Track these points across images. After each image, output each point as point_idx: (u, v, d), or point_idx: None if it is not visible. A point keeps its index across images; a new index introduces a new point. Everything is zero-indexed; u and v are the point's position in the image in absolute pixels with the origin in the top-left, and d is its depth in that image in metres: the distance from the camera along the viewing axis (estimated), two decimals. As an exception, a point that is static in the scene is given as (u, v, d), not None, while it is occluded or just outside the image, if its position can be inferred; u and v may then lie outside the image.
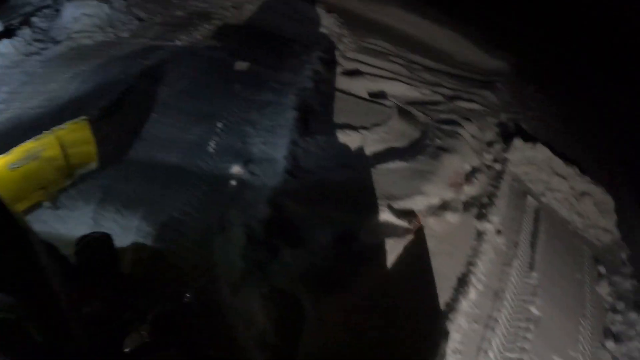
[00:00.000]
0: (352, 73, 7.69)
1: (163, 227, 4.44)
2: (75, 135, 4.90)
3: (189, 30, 7.58)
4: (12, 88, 6.87)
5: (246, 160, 4.99)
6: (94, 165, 5.16)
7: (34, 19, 9.07)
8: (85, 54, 7.58)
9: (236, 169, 4.95)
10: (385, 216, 4.62)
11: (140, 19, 8.40)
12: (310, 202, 4.88)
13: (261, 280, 4.10)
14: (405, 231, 4.66)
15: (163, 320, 3.08)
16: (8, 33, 8.04)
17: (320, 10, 8.85)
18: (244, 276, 4.06)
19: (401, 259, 4.20)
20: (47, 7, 9.85)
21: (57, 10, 9.10)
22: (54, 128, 4.83)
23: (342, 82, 7.33)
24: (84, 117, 4.96)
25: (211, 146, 5.47)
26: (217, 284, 3.81)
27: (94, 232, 3.52)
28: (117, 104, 6.20)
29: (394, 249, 4.38)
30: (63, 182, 5.01)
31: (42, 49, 7.95)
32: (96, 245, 3.38)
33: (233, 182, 4.88)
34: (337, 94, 6.80)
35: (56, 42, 8.11)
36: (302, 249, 4.29)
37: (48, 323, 2.27)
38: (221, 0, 8.96)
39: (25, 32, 8.43)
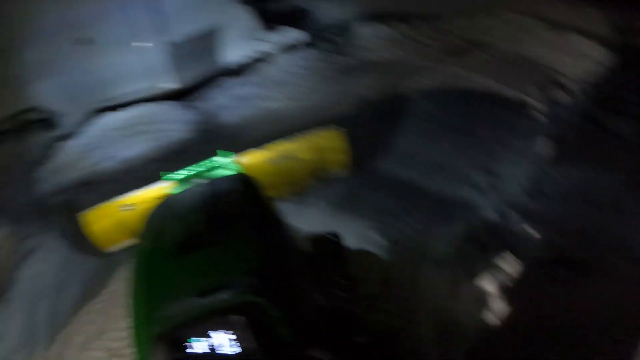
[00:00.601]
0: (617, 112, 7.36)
1: (395, 241, 4.63)
2: (331, 143, 5.29)
3: (464, 58, 8.30)
4: (300, 86, 8.73)
5: (489, 180, 5.34)
6: (344, 173, 5.54)
7: (333, 36, 11.02)
8: (370, 69, 8.90)
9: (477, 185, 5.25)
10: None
11: (423, 44, 9.36)
12: (544, 223, 4.98)
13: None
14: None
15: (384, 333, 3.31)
16: (312, 43, 10.01)
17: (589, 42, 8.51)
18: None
19: None
20: (346, 27, 11.84)
21: (354, 32, 10.89)
22: (313, 132, 5.36)
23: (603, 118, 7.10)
24: (341, 128, 5.37)
25: (455, 165, 5.84)
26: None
27: (329, 231, 3.68)
28: (378, 115, 7.30)
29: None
30: (311, 183, 5.44)
31: (336, 60, 9.67)
32: (330, 243, 3.56)
33: (472, 203, 5.29)
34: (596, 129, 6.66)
35: (348, 55, 9.76)
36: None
37: (290, 310, 2.39)
38: (499, 31, 9.47)
39: (325, 45, 10.33)
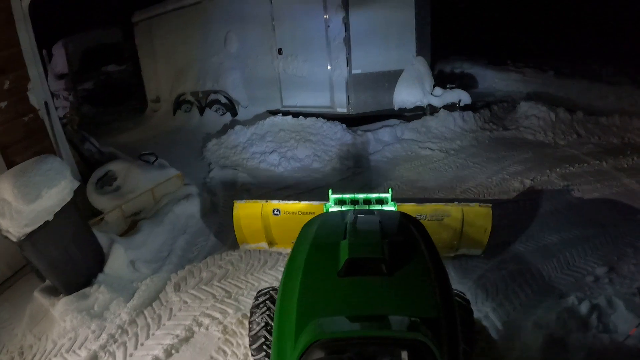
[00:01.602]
0: None
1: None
2: (477, 218, 5.32)
3: (618, 158, 8.43)
4: (460, 143, 9.74)
5: (608, 274, 5.75)
6: (479, 252, 5.53)
7: (494, 107, 11.96)
8: (522, 144, 9.65)
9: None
10: None
11: (578, 134, 9.91)
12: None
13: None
14: None
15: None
16: (474, 108, 10.97)
17: None
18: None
19: None
20: (507, 102, 12.75)
21: (514, 106, 11.74)
22: (463, 203, 5.54)
23: None
24: (489, 205, 5.41)
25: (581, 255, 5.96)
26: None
27: (459, 291, 4.20)
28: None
29: None
30: (446, 253, 5.61)
31: (493, 129, 10.57)
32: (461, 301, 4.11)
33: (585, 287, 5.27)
34: None
35: (505, 128, 10.62)
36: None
37: (450, 355, 2.54)
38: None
39: (486, 113, 11.27)
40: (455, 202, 5.64)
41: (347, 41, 9.70)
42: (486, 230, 5.32)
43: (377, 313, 2.61)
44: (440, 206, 5.43)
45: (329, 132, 9.39)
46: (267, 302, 4.10)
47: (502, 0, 16.70)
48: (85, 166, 8.73)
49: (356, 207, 4.59)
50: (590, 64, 13.87)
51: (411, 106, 10.38)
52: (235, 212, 5.96)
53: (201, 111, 11.98)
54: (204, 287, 5.87)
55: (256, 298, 4.31)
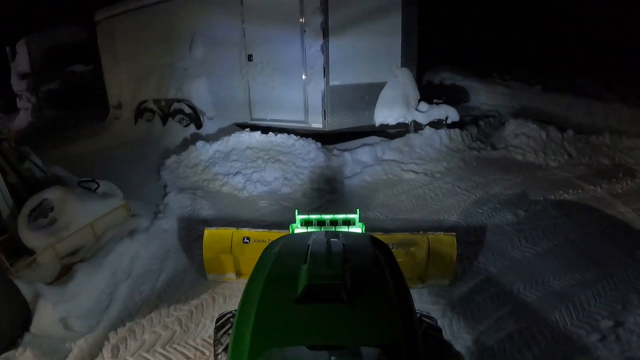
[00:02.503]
0: None
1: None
2: (442, 246, 5.07)
3: (611, 182, 7.63)
4: (446, 165, 8.51)
5: (614, 329, 4.73)
6: (447, 282, 5.23)
7: (481, 123, 10.70)
8: (512, 166, 8.52)
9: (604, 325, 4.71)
10: None
11: (569, 155, 8.95)
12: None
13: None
14: None
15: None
16: (461, 124, 9.66)
17: None
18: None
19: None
20: (494, 117, 11.56)
21: (502, 123, 10.49)
22: (428, 232, 5.25)
23: None
24: (454, 233, 5.17)
25: (581, 299, 5.31)
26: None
27: (426, 313, 3.97)
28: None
29: None
30: (414, 284, 5.19)
31: (481, 148, 9.26)
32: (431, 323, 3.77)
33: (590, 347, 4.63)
34: None
35: (494, 147, 9.31)
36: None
37: None
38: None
39: (473, 130, 9.96)
40: (421, 232, 5.35)
41: (324, 49, 8.26)
42: (452, 259, 5.08)
43: (334, 343, 2.35)
44: (406, 235, 5.20)
45: (301, 152, 8.01)
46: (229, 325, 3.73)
47: (491, 10, 15.39)
48: (26, 190, 7.23)
49: (322, 228, 4.34)
50: (576, 78, 13.08)
51: (394, 122, 9.15)
52: (205, 239, 5.35)
53: (164, 121, 10.48)
54: (145, 354, 4.67)
55: (217, 320, 3.93)
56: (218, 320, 3.91)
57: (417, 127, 9.24)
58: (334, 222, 4.44)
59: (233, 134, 8.48)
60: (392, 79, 9.13)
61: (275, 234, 5.15)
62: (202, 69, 9.95)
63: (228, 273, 5.44)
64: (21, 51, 14.90)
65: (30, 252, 5.86)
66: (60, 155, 10.42)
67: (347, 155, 8.33)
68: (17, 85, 15.14)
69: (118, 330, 5.00)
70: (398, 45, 9.20)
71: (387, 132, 9.31)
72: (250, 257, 4.81)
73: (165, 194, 7.60)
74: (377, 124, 9.11)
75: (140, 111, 11.02)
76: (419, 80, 9.82)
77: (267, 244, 4.58)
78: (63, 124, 13.80)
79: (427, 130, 9.13)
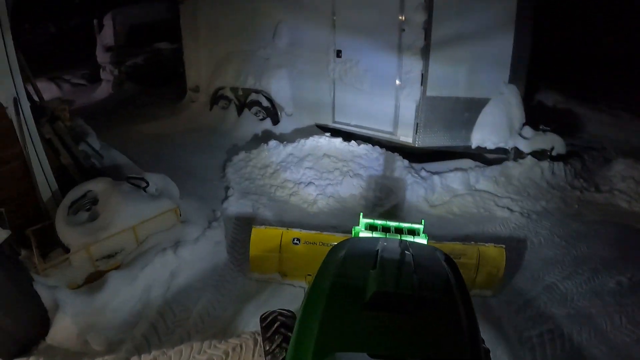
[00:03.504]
0: None
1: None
2: (491, 257, 4.89)
3: None
4: (545, 205, 6.90)
5: None
6: (489, 293, 5.03)
7: (585, 156, 8.92)
8: (617, 215, 6.87)
9: None
10: None
11: None
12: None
13: None
14: None
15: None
16: (564, 156, 7.98)
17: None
18: None
19: None
20: (597, 150, 9.69)
21: (608, 160, 8.69)
22: (479, 243, 5.00)
23: None
24: (503, 245, 4.94)
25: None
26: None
27: None
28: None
29: None
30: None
31: (584, 188, 7.54)
32: None
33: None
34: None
35: (598, 189, 7.59)
36: None
37: None
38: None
39: (577, 164, 8.22)
40: (472, 242, 5.08)
41: (425, 53, 6.84)
42: (499, 269, 4.91)
43: (400, 354, 2.21)
44: (457, 245, 4.97)
45: (385, 168, 6.67)
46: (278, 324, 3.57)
47: (613, 31, 13.25)
48: (80, 173, 6.31)
49: (387, 235, 4.09)
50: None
51: (492, 146, 7.60)
52: (253, 237, 4.99)
53: (239, 111, 9.36)
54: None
55: (264, 319, 3.73)
56: (265, 318, 3.74)
57: (518, 155, 7.66)
58: (399, 230, 4.21)
59: (311, 137, 7.25)
60: (497, 96, 7.57)
61: (327, 237, 4.90)
62: (284, 60, 8.79)
63: (273, 273, 5.09)
64: (107, 25, 14.32)
65: (66, 247, 5.06)
66: (131, 133, 9.79)
67: (436, 179, 6.91)
68: (102, 57, 14.68)
69: (142, 357, 4.05)
70: (508, 57, 7.62)
71: (482, 156, 7.78)
72: (299, 260, 4.86)
73: (226, 197, 6.52)
74: (473, 146, 7.63)
75: (217, 98, 9.98)
76: (526, 100, 8.18)
77: (317, 246, 4.76)
78: (141, 99, 13.18)
79: (529, 160, 7.53)
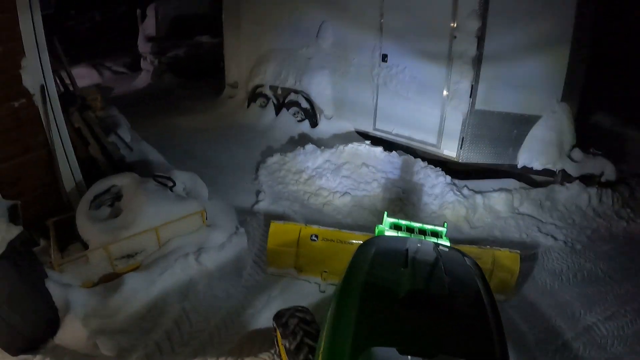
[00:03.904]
0: None
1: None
2: (505, 262, 4.81)
3: None
4: (590, 234, 6.33)
5: None
6: (503, 297, 4.93)
7: (632, 182, 8.22)
8: None
9: None
10: None
11: None
12: None
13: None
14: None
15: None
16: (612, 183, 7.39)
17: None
18: None
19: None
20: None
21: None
22: (494, 247, 4.93)
23: None
24: (518, 251, 4.85)
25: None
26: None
27: None
28: None
29: None
30: None
31: (630, 219, 6.89)
32: None
33: None
34: None
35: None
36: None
37: None
38: None
39: (625, 192, 7.54)
40: (488, 246, 5.06)
41: (476, 63, 6.35)
42: (513, 275, 4.85)
43: (433, 351, 2.19)
44: (473, 249, 4.89)
45: (425, 183, 6.25)
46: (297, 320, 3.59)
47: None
48: (108, 165, 6.06)
49: (411, 235, 3.97)
50: None
51: (539, 167, 7.03)
52: (271, 231, 4.88)
53: (277, 110, 8.99)
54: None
55: (280, 316, 3.69)
56: (281, 316, 3.71)
57: (566, 178, 7.09)
58: (423, 232, 4.14)
59: (350, 144, 6.82)
60: (548, 114, 6.99)
61: (346, 234, 4.81)
62: (327, 61, 8.41)
63: (290, 268, 4.97)
64: (150, 15, 14.28)
65: (85, 242, 4.82)
66: (167, 125, 9.59)
67: (478, 198, 6.41)
68: (143, 47, 14.59)
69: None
70: (562, 73, 7.03)
71: (527, 177, 7.25)
72: (317, 256, 4.78)
73: (256, 202, 6.13)
74: (519, 165, 7.10)
75: (255, 95, 9.66)
76: (578, 120, 7.59)
77: (335, 243, 4.70)
78: (179, 92, 12.99)
79: (576, 185, 6.92)
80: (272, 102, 9.29)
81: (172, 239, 4.97)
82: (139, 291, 4.37)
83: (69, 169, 5.50)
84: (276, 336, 3.80)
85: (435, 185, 6.36)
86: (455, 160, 6.89)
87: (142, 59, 14.92)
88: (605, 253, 6.01)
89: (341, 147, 6.84)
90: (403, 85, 7.30)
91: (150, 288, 4.42)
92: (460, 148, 6.78)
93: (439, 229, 4.21)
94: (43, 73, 5.06)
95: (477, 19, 6.39)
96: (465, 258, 3.18)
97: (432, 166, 6.68)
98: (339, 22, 8.10)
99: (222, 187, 6.41)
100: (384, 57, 7.53)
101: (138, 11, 14.72)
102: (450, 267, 2.88)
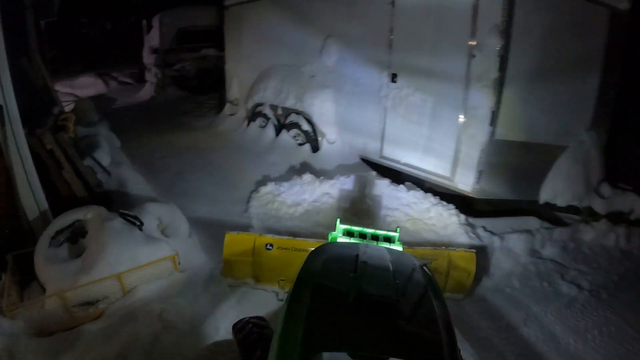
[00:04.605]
0: None
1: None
2: (461, 262, 4.74)
3: None
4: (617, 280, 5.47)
5: None
6: (461, 296, 4.90)
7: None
8: None
9: None
10: None
11: None
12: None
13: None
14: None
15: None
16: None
17: None
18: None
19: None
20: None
21: None
22: (450, 248, 4.83)
23: None
24: (474, 250, 4.78)
25: None
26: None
27: None
28: None
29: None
30: None
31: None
32: None
33: None
34: None
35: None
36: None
37: None
38: None
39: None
40: (443, 247, 4.88)
41: (498, 86, 5.46)
42: (470, 274, 4.77)
43: (383, 355, 2.19)
44: (428, 250, 4.81)
45: (436, 223, 5.42)
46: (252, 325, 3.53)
47: None
48: (86, 190, 5.30)
49: (363, 241, 3.84)
50: None
51: (564, 204, 6.15)
52: (226, 242, 4.67)
53: (277, 131, 8.18)
54: None
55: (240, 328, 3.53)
56: (241, 328, 3.54)
57: (592, 216, 6.20)
58: (375, 237, 4.03)
59: (352, 175, 5.92)
60: (575, 145, 6.12)
61: (301, 242, 4.72)
62: (331, 80, 7.60)
63: (246, 278, 4.82)
64: (155, 27, 13.73)
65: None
66: (162, 142, 8.97)
67: (496, 241, 5.50)
68: (147, 58, 14.08)
69: None
70: (591, 99, 6.22)
71: (550, 214, 6.32)
72: (272, 264, 4.69)
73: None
74: (541, 201, 6.22)
75: (255, 114, 8.90)
76: (607, 151, 6.69)
77: (290, 252, 4.61)
78: (181, 106, 12.39)
79: (603, 224, 6.02)
80: (272, 122, 8.49)
81: (139, 286, 4.17)
82: (96, 346, 3.67)
83: (32, 197, 4.73)
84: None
85: (447, 226, 5.47)
86: (470, 194, 5.99)
87: (146, 71, 14.36)
88: (631, 302, 5.13)
89: (343, 178, 6.00)
90: (414, 108, 6.44)
91: (109, 343, 3.69)
92: (477, 182, 5.88)
93: (392, 234, 4.11)
94: (2, 92, 4.37)
95: (500, 37, 5.51)
96: (415, 261, 3.08)
97: (444, 203, 5.77)
98: (345, 38, 7.32)
99: (207, 220, 5.60)
100: (393, 77, 6.68)
101: (144, 22, 14.15)
102: (400, 271, 2.82)
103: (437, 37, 6.11)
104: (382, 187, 5.84)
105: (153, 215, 4.72)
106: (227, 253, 4.69)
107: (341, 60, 7.42)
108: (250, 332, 3.49)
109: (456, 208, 5.74)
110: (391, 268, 2.80)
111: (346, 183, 5.91)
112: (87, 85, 15.52)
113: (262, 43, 8.78)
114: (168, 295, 4.08)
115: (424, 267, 3.07)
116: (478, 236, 5.54)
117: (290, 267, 3.85)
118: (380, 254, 3.02)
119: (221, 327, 4.11)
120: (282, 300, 4.51)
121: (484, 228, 5.70)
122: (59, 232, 4.37)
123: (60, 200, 5.37)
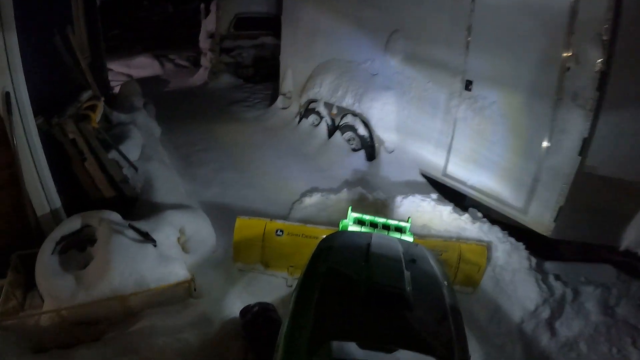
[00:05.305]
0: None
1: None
2: (472, 255, 4.57)
3: None
4: None
5: None
6: (471, 290, 4.68)
7: None
8: None
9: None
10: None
11: None
12: None
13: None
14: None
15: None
16: None
17: None
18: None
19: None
20: None
21: None
22: (461, 239, 4.69)
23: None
24: (484, 242, 4.64)
25: None
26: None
27: None
28: None
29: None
30: None
31: None
32: None
33: None
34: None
35: None
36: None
37: None
38: None
39: None
40: (454, 239, 4.74)
41: (595, 108, 4.47)
42: (480, 268, 4.57)
43: (392, 346, 2.19)
44: (439, 242, 4.65)
45: (503, 264, 4.48)
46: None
47: None
48: (110, 186, 4.81)
49: (374, 230, 3.99)
50: None
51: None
52: (236, 226, 4.58)
53: (330, 132, 7.48)
54: None
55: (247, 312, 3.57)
56: (246, 311, 3.56)
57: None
58: (386, 227, 4.06)
59: (410, 196, 5.14)
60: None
61: (311, 229, 4.57)
62: (394, 80, 6.76)
63: (256, 263, 4.74)
64: (213, 11, 13.18)
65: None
66: (206, 133, 8.45)
67: (568, 293, 4.57)
68: (204, 42, 13.78)
69: None
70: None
71: (628, 264, 5.29)
72: (282, 250, 4.61)
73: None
74: (621, 247, 5.12)
75: (308, 110, 8.23)
76: None
77: (301, 238, 4.57)
78: (233, 94, 11.94)
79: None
80: (326, 121, 7.76)
81: (146, 310, 3.56)
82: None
83: (42, 192, 4.23)
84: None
85: (516, 272, 4.58)
86: (545, 233, 5.05)
87: (202, 55, 14.02)
88: None
89: (398, 198, 5.20)
90: (489, 123, 5.54)
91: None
92: (555, 220, 4.93)
93: (403, 224, 4.15)
94: (11, 77, 3.86)
95: (601, 48, 4.53)
96: (427, 252, 3.10)
97: (514, 240, 4.88)
98: (414, 34, 6.46)
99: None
100: (468, 85, 5.80)
101: (202, 6, 13.80)
102: (411, 262, 2.81)
103: (525, 43, 5.19)
104: (444, 215, 5.01)
105: (173, 226, 4.14)
106: (238, 237, 4.64)
107: (407, 59, 6.58)
108: (256, 314, 3.47)
109: (526, 249, 4.84)
110: (402, 259, 2.78)
111: (403, 204, 5.12)
112: (143, 66, 15.37)
113: (321, 34, 8.05)
114: (176, 328, 3.45)
115: (437, 259, 3.06)
116: (549, 287, 4.63)
117: (300, 254, 3.82)
118: (391, 245, 2.99)
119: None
120: (291, 286, 4.47)
121: (556, 277, 4.76)
122: (65, 237, 3.83)
123: (81, 194, 4.89)
